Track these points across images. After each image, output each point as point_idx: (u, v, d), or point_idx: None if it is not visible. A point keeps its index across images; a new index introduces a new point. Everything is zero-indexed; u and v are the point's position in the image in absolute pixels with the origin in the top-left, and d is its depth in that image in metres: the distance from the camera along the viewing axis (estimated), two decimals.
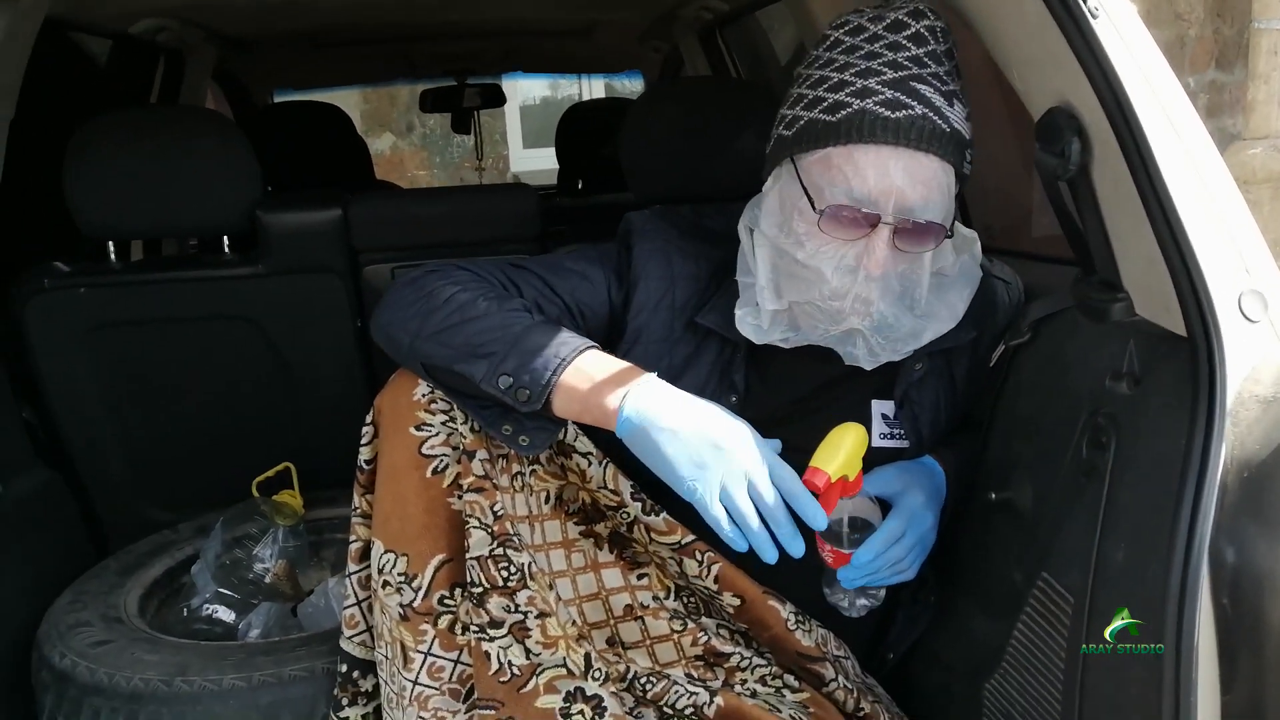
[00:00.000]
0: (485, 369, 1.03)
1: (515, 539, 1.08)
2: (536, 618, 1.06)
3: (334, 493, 1.67)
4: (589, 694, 1.06)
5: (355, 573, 1.18)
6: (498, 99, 4.28)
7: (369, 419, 1.15)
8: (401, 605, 1.08)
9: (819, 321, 1.11)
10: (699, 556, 1.16)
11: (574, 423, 1.11)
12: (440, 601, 1.08)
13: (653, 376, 1.04)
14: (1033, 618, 1.06)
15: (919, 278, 1.11)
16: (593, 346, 1.06)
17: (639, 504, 1.15)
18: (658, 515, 1.15)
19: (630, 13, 3.01)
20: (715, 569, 1.16)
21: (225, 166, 1.72)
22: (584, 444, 1.16)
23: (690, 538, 1.15)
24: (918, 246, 1.08)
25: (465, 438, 1.10)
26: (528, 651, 1.05)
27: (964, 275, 1.17)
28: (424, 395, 1.11)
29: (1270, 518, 0.83)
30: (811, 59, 1.12)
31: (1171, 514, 0.86)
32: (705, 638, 1.18)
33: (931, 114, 1.04)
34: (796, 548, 0.98)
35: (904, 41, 1.06)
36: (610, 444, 1.09)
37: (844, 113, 1.05)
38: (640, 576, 1.19)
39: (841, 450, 1.03)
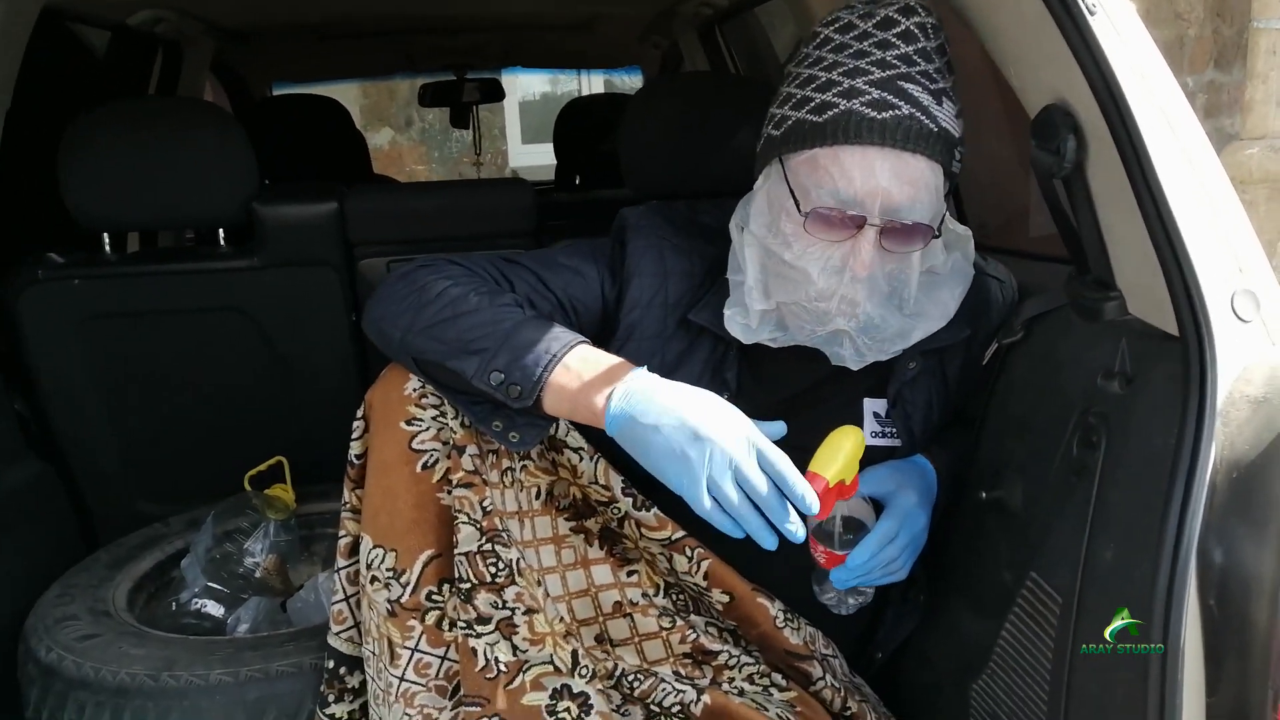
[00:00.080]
0: (476, 365, 1.03)
1: (504, 535, 1.07)
2: (524, 614, 1.06)
3: (326, 487, 1.65)
4: (575, 691, 1.05)
5: (344, 568, 1.17)
6: (497, 94, 4.28)
7: (360, 414, 1.15)
8: (389, 601, 1.08)
9: (805, 322, 1.11)
10: (689, 552, 1.15)
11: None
12: (428, 597, 1.08)
13: (642, 371, 1.02)
14: (1021, 618, 1.05)
15: (908, 277, 1.10)
16: (583, 341, 1.05)
17: (630, 499, 1.15)
18: (648, 511, 1.15)
19: (630, 8, 3.00)
20: (705, 565, 1.15)
21: (222, 159, 1.71)
22: (575, 439, 1.15)
23: (680, 533, 1.15)
24: (905, 247, 1.08)
25: (455, 433, 1.09)
26: (515, 648, 1.05)
27: (956, 273, 1.16)
28: (415, 390, 1.10)
29: (1258, 519, 0.82)
30: (801, 57, 1.11)
31: (1160, 514, 0.86)
32: (694, 636, 1.18)
33: (919, 114, 1.04)
34: (793, 532, 0.94)
35: (893, 39, 1.05)
36: (601, 439, 1.08)
37: (830, 113, 1.05)
38: (630, 573, 1.19)
39: (840, 454, 1.02)
